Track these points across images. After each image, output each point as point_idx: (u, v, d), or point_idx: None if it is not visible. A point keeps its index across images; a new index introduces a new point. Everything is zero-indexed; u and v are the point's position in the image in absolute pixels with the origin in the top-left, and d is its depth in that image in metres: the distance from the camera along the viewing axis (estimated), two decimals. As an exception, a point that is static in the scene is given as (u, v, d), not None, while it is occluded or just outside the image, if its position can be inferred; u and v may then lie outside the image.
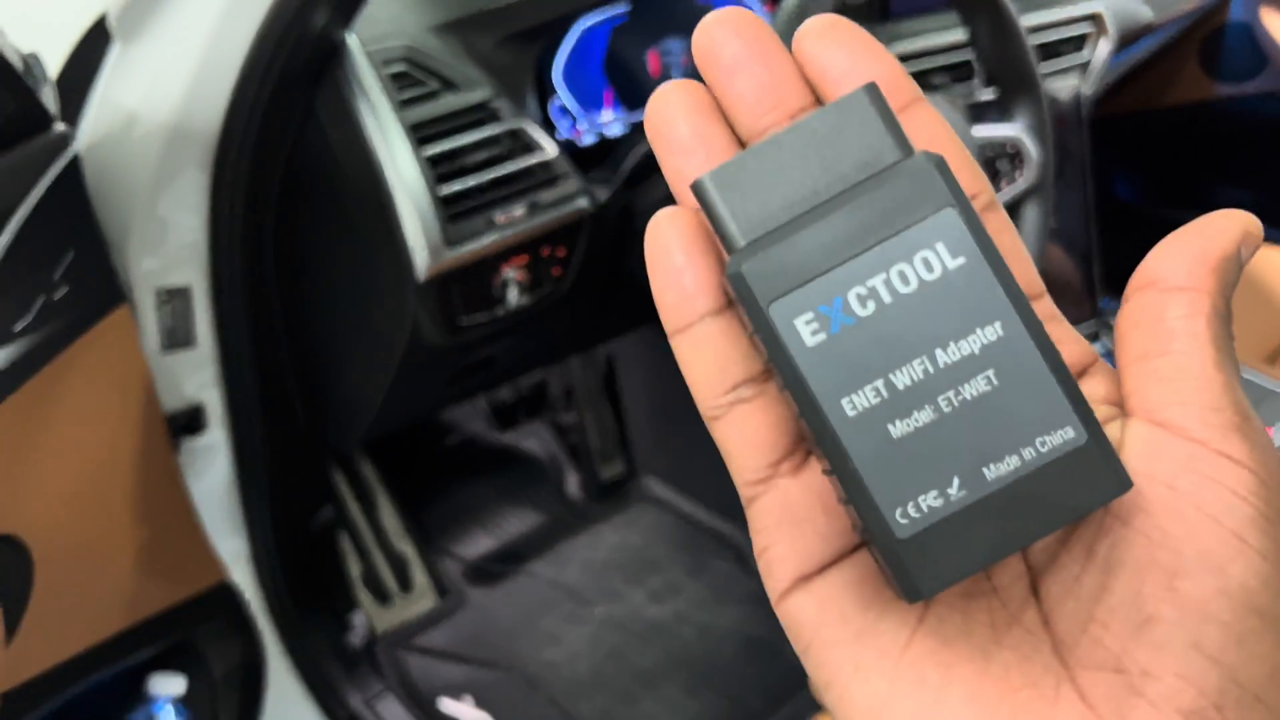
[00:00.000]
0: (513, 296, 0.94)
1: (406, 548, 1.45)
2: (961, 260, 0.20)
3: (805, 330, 0.20)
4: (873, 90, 0.21)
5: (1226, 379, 0.21)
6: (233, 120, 0.86)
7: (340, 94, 0.86)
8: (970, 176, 0.22)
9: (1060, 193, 1.10)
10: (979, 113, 1.21)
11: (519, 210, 0.91)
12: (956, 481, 0.20)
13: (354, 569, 1.39)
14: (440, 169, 0.87)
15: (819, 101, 0.23)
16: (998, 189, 1.02)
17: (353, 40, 0.87)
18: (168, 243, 0.92)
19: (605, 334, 1.39)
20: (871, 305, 0.20)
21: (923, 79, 1.23)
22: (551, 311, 1.03)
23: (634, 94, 1.08)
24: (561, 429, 1.69)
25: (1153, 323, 0.21)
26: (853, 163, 0.21)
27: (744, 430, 0.22)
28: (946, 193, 0.20)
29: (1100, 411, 0.22)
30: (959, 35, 1.26)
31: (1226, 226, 0.22)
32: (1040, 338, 0.20)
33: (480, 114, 0.91)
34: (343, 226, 0.91)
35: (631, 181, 1.05)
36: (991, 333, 0.20)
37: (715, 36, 0.22)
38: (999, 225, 0.23)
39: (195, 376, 1.00)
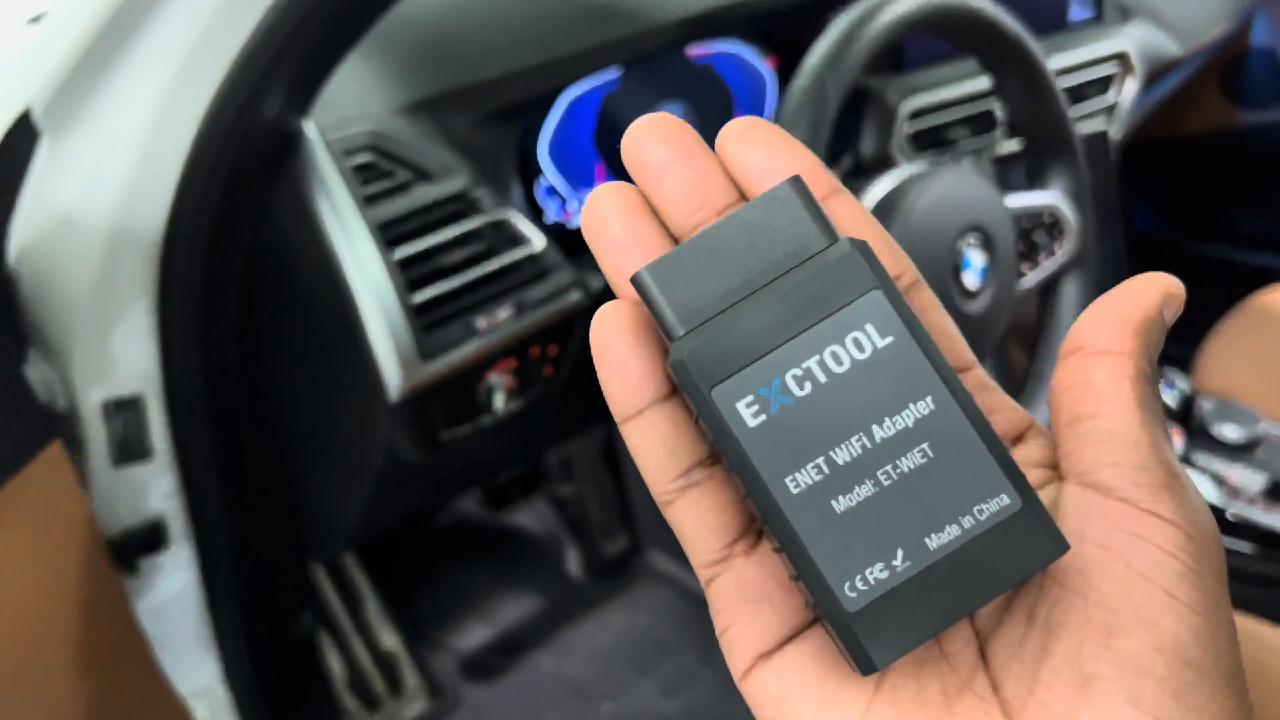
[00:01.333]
0: (499, 403, 0.84)
1: (395, 644, 1.34)
2: (890, 339, 0.21)
3: (747, 412, 0.21)
4: (797, 183, 0.23)
5: (1153, 438, 0.22)
6: (178, 221, 0.76)
7: (298, 190, 0.77)
8: (892, 259, 0.25)
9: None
10: (1006, 171, 1.11)
11: (504, 312, 0.81)
12: (900, 553, 0.21)
13: (338, 673, 1.28)
14: (413, 272, 0.77)
15: (743, 197, 0.24)
16: (1035, 263, 0.92)
17: (310, 129, 0.77)
18: (115, 356, 0.82)
19: (605, 415, 1.29)
20: (808, 386, 0.21)
21: (942, 133, 1.14)
22: (544, 410, 0.93)
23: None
24: (560, 502, 1.59)
25: (1081, 386, 0.23)
26: (782, 251, 0.22)
27: (697, 513, 0.23)
28: (871, 276, 0.22)
29: (1036, 475, 0.24)
30: (977, 85, 1.16)
31: (1147, 290, 0.23)
32: (971, 410, 0.21)
33: (458, 206, 0.81)
34: (307, 337, 0.81)
35: None
36: (923, 407, 0.21)
37: (643, 142, 0.24)
38: (924, 303, 0.25)
39: (154, 489, 0.90)
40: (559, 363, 0.89)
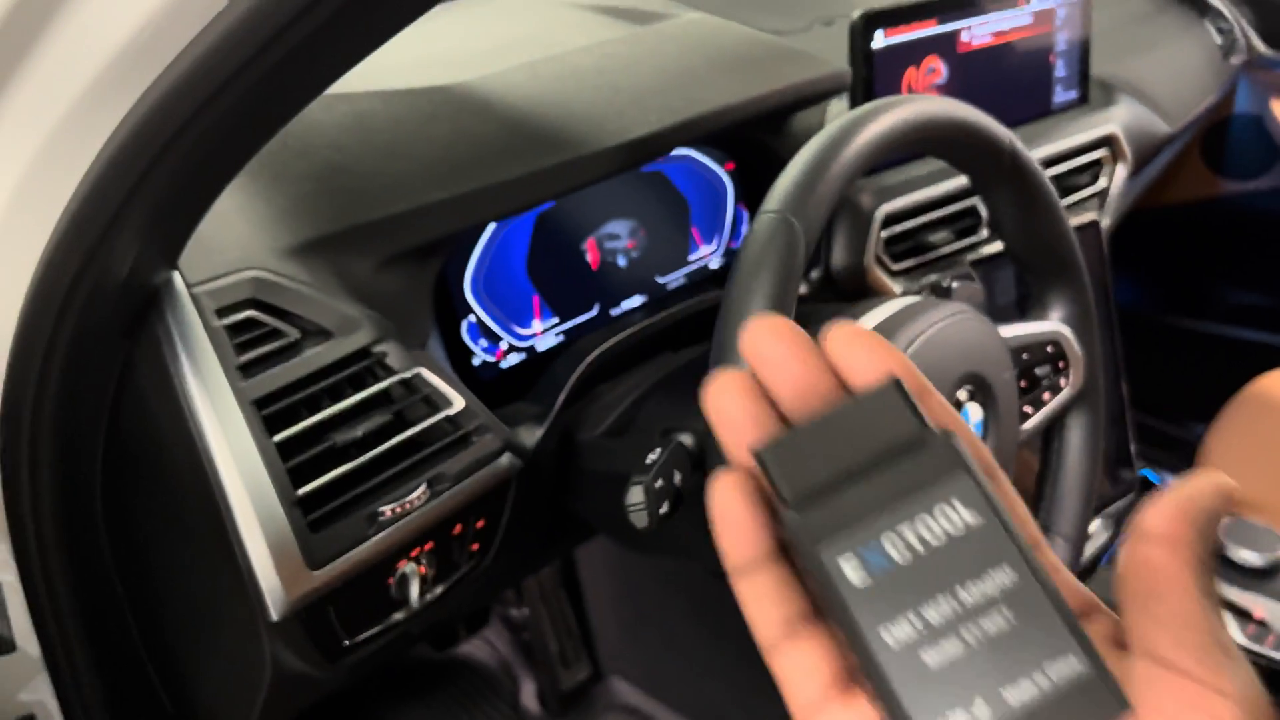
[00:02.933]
0: (414, 595, 0.70)
1: (326, 810, 1.18)
2: (977, 517, 0.26)
3: (850, 571, 0.25)
4: (897, 383, 0.27)
5: (1212, 621, 0.25)
6: (17, 386, 0.62)
7: (159, 355, 0.63)
8: (977, 448, 0.29)
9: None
10: (991, 273, 1.00)
11: (415, 493, 0.67)
12: (980, 703, 0.24)
13: None
14: (300, 457, 0.63)
15: (846, 389, 0.29)
16: (1038, 402, 0.80)
17: (176, 282, 0.64)
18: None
19: (556, 556, 1.15)
20: (906, 552, 0.26)
21: (921, 238, 1.02)
22: (474, 583, 0.79)
23: (569, 295, 0.86)
24: (512, 627, 1.45)
25: (1147, 571, 0.26)
26: (884, 439, 0.27)
27: (797, 660, 0.27)
28: (962, 463, 0.26)
29: (1103, 647, 0.26)
30: (956, 183, 1.05)
31: (1205, 487, 0.27)
32: (1046, 582, 0.25)
33: (359, 365, 0.68)
34: (172, 529, 0.67)
35: (571, 398, 0.82)
36: (1004, 577, 0.25)
37: (762, 340, 0.29)
38: (1003, 486, 0.29)
39: (19, 683, 0.75)
40: (488, 535, 0.76)
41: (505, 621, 1.45)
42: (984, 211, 1.06)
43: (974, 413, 0.70)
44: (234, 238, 0.69)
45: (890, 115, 0.65)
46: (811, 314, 0.75)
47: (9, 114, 0.54)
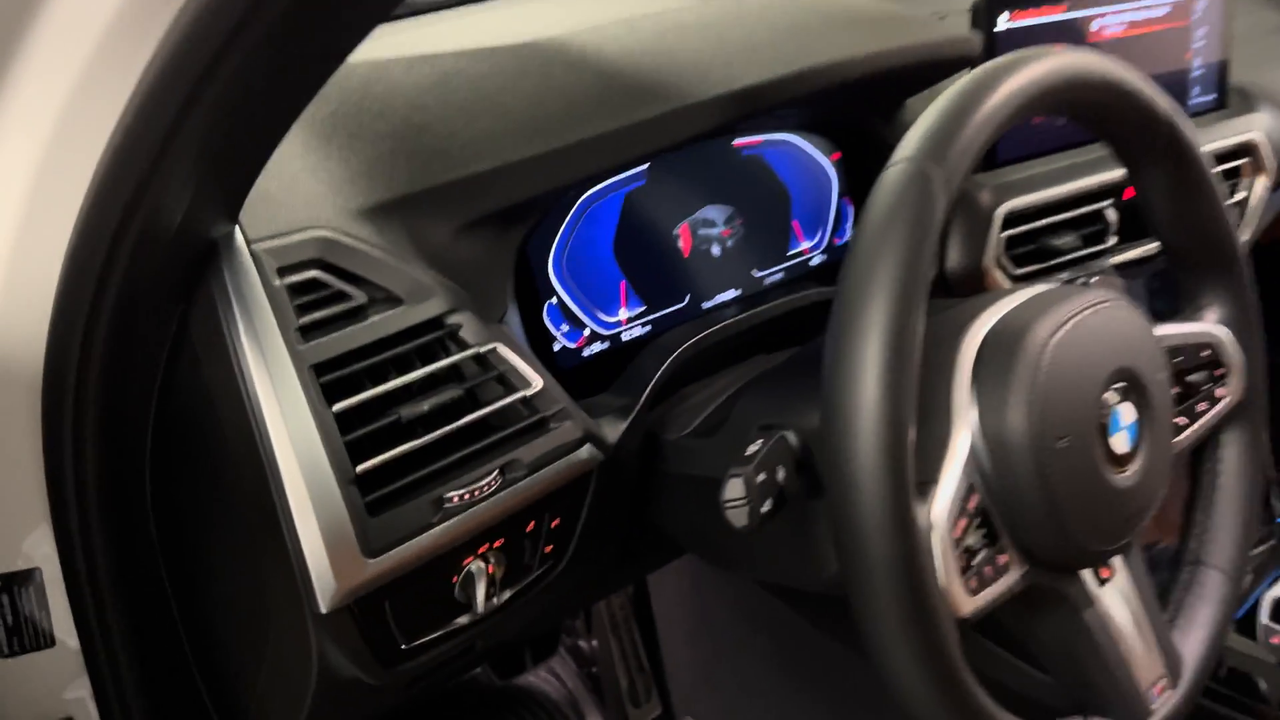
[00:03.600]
0: (481, 598, 0.62)
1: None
2: None
3: None
4: None
5: None
6: (60, 354, 0.57)
7: (215, 316, 0.57)
8: None
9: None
10: (1127, 273, 0.90)
11: (486, 480, 0.60)
12: None
13: None
14: (360, 430, 0.57)
15: None
16: (1192, 413, 0.70)
17: (236, 236, 0.58)
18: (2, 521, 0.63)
19: (632, 578, 1.07)
20: None
21: (1044, 241, 0.93)
22: (546, 594, 0.72)
23: (659, 283, 0.78)
24: (580, 658, 1.36)
25: None
26: None
27: None
28: None
29: None
30: (1085, 183, 0.96)
31: None
32: None
33: (431, 336, 0.61)
34: (223, 513, 0.61)
35: (657, 398, 0.74)
36: None
37: None
38: None
39: (59, 682, 0.69)
40: (563, 537, 0.68)
41: (573, 653, 1.36)
42: (1112, 218, 0.97)
43: (1126, 415, 0.60)
44: (303, 197, 0.63)
45: (1040, 65, 0.57)
46: (934, 310, 0.66)
47: (42, 44, 0.50)
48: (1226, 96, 1.09)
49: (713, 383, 0.80)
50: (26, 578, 0.66)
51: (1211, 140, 1.05)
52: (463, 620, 0.64)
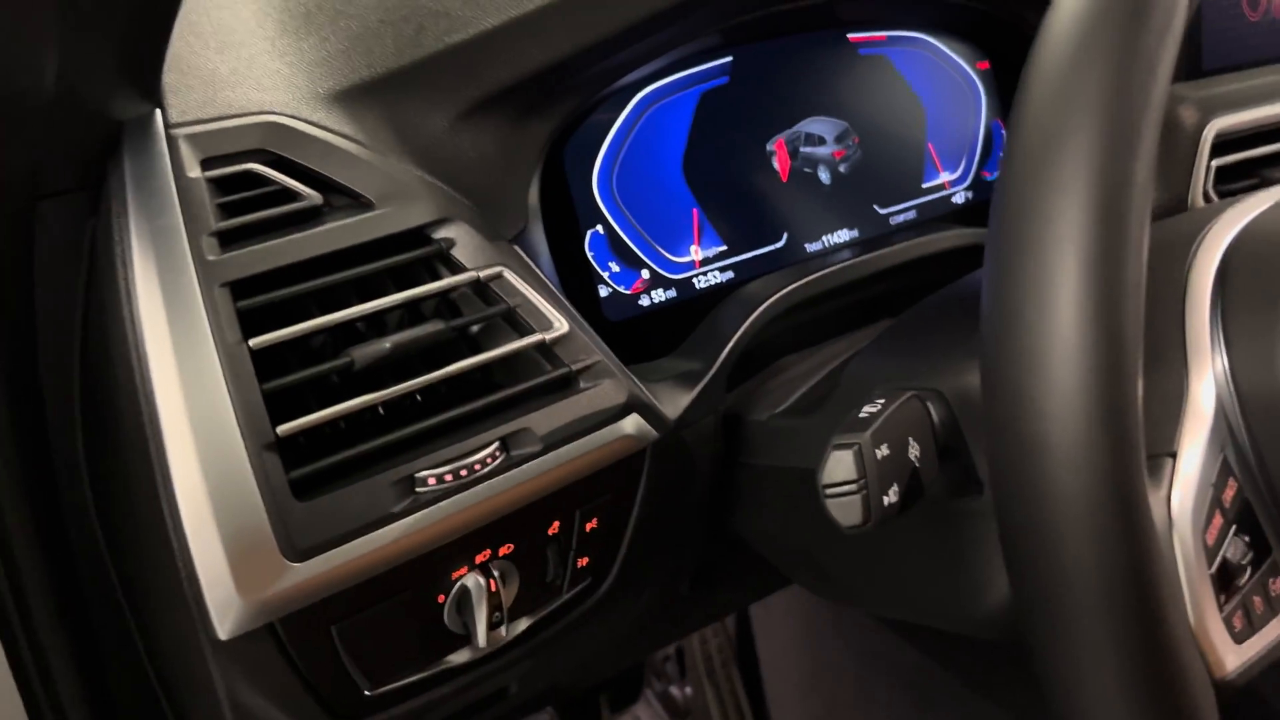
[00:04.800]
0: (482, 626, 0.44)
1: None
2: None
3: None
4: None
5: None
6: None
7: (110, 220, 0.41)
8: None
9: None
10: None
11: (481, 453, 0.42)
12: None
13: None
14: (291, 377, 0.39)
15: None
16: None
17: (153, 119, 0.42)
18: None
19: (716, 612, 0.87)
20: None
21: (1269, 171, 0.70)
22: (588, 623, 0.53)
23: (746, 215, 0.59)
24: (672, 706, 1.16)
25: None
26: None
27: None
28: None
29: None
30: (1318, 101, 0.72)
31: None
32: None
33: (409, 253, 0.44)
34: (126, 488, 0.44)
35: (739, 372, 0.55)
36: None
37: None
38: None
39: None
40: (605, 547, 0.49)
41: (663, 701, 1.17)
42: (1360, 148, 0.73)
43: None
44: (257, 78, 0.47)
45: None
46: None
47: None
48: None
49: (818, 352, 0.60)
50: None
51: None
52: (459, 658, 0.46)
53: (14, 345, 0.47)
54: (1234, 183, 0.70)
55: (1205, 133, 0.68)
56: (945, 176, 0.67)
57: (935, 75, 0.66)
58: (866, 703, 1.07)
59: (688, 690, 1.13)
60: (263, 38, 0.50)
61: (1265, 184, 0.70)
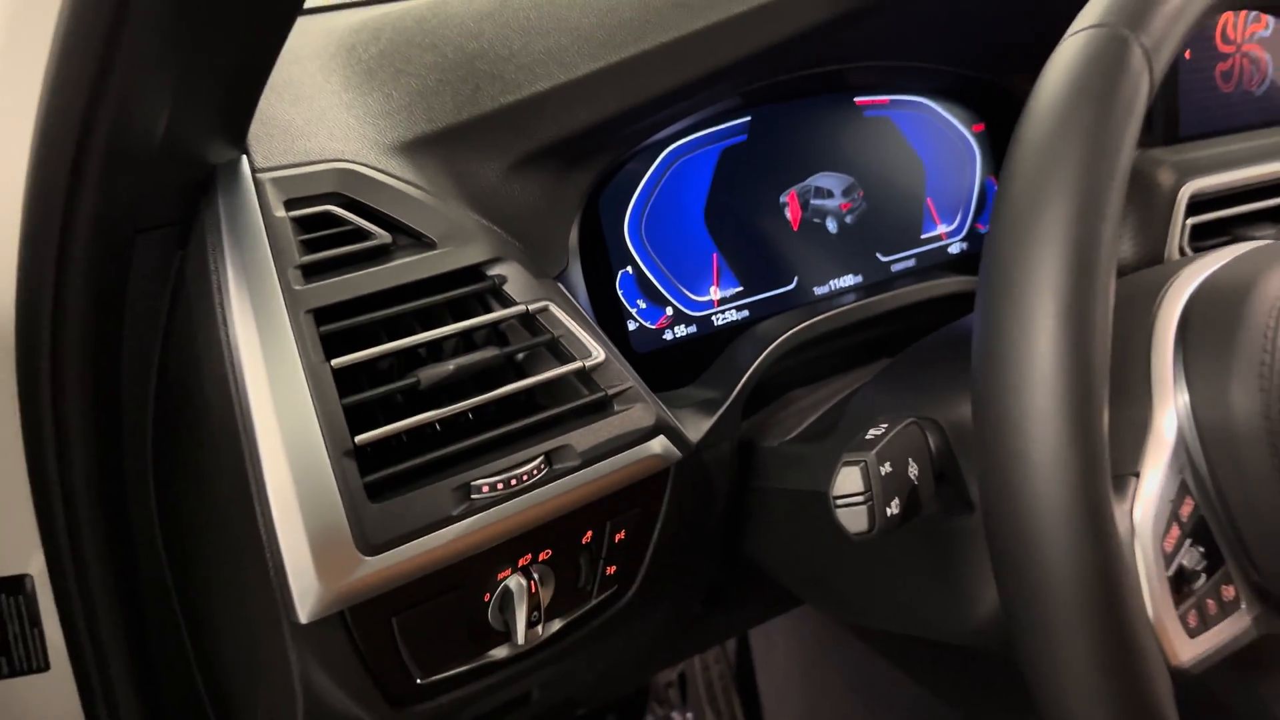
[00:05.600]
0: (521, 625, 0.49)
1: None
2: None
3: None
4: None
5: None
6: (31, 304, 0.47)
7: (204, 254, 0.47)
8: None
9: None
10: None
11: (527, 467, 0.47)
12: None
13: None
14: (367, 394, 0.45)
15: None
16: None
17: (241, 164, 0.48)
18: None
19: (723, 633, 0.92)
20: None
21: (1239, 229, 0.76)
22: (612, 631, 0.58)
23: (761, 260, 0.65)
24: (674, 732, 1.20)
25: None
26: None
27: None
28: None
29: None
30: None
31: None
32: None
33: (466, 287, 0.49)
34: (208, 493, 0.49)
35: (753, 403, 0.60)
36: None
37: None
38: None
39: (53, 716, 0.59)
40: (631, 557, 0.54)
41: (664, 727, 1.20)
42: (1326, 210, 0.79)
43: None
44: (330, 129, 0.53)
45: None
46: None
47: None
48: None
49: (825, 386, 0.66)
50: (16, 585, 0.57)
51: None
52: (499, 653, 0.50)
53: (101, 363, 0.52)
54: (1209, 239, 0.76)
55: (1181, 194, 0.73)
56: (942, 228, 0.73)
57: (934, 136, 0.72)
58: (863, 728, 1.11)
59: (689, 716, 1.17)
60: (330, 91, 0.56)
61: (1237, 241, 0.76)
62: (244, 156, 0.49)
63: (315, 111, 0.54)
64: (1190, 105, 0.77)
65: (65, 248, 0.46)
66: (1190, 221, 0.74)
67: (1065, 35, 0.40)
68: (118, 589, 0.56)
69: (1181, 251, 0.73)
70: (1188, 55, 0.76)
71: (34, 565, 0.55)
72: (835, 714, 1.12)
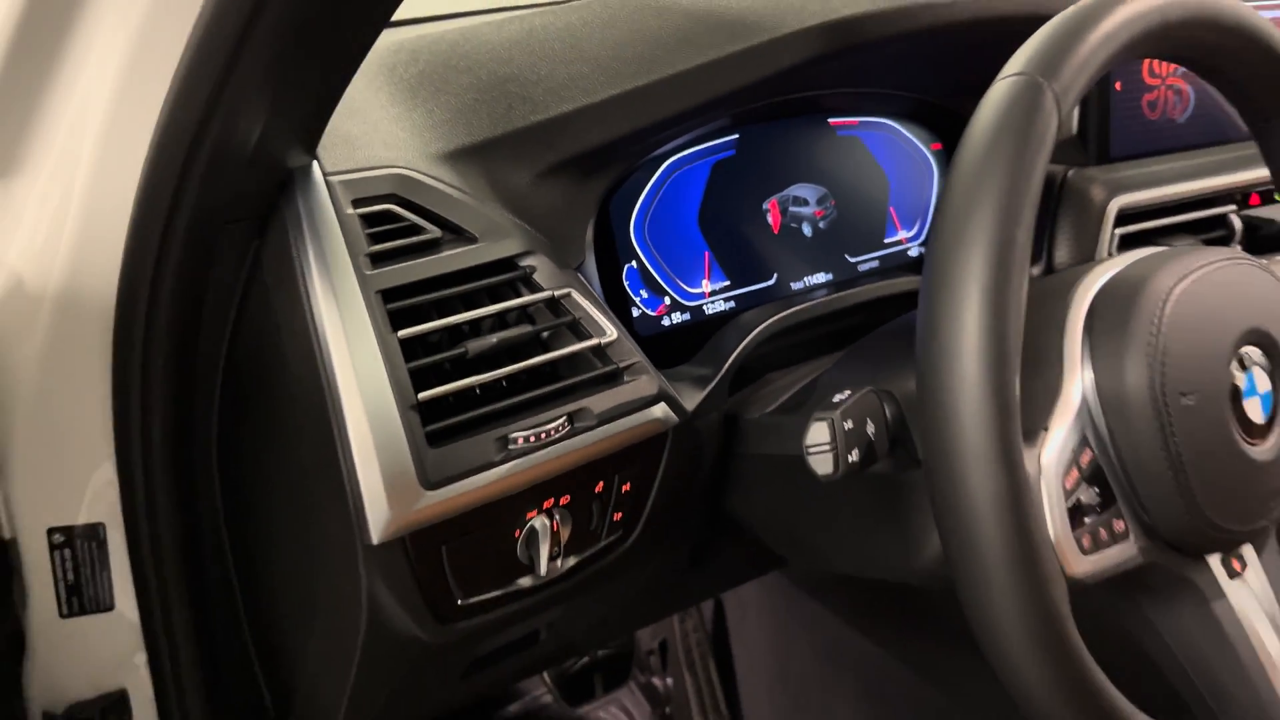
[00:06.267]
0: (544, 559, 0.58)
1: None
2: None
3: None
4: None
5: None
6: (132, 279, 0.56)
7: (285, 243, 0.56)
8: None
9: None
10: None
11: (554, 423, 0.57)
12: None
13: None
14: (425, 360, 0.54)
15: None
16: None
17: (313, 168, 0.58)
18: (66, 471, 0.61)
19: (704, 592, 1.01)
20: None
21: (1162, 240, 0.87)
22: (614, 574, 0.67)
23: (744, 258, 0.75)
24: (654, 696, 1.30)
25: None
26: None
27: None
28: None
29: None
30: (1206, 184, 0.90)
31: None
32: None
33: (502, 275, 0.59)
34: (281, 445, 0.59)
35: (738, 381, 0.70)
36: None
37: None
38: None
39: (114, 651, 0.67)
40: (634, 506, 0.64)
41: (646, 691, 1.30)
42: (1238, 224, 0.90)
43: (1262, 381, 0.54)
44: (384, 139, 0.63)
45: (1163, -4, 0.53)
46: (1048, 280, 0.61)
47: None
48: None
49: (798, 369, 0.76)
50: (91, 532, 0.65)
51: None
52: (525, 582, 0.60)
53: (184, 332, 0.61)
54: (1134, 248, 0.86)
55: (1110, 207, 0.84)
56: (903, 234, 0.83)
57: (898, 153, 0.83)
58: (829, 693, 1.21)
59: (669, 681, 1.27)
60: (379, 106, 0.65)
61: (1158, 250, 0.87)
62: (315, 162, 0.59)
63: (370, 124, 0.63)
64: (1120, 130, 0.88)
65: (167, 235, 0.55)
66: (1119, 231, 0.84)
67: (996, 79, 0.50)
68: (183, 538, 0.65)
69: (1110, 257, 0.84)
70: (1119, 87, 0.87)
71: (107, 514, 0.64)
72: (802, 676, 1.23)
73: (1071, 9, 0.51)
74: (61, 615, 0.64)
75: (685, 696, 1.24)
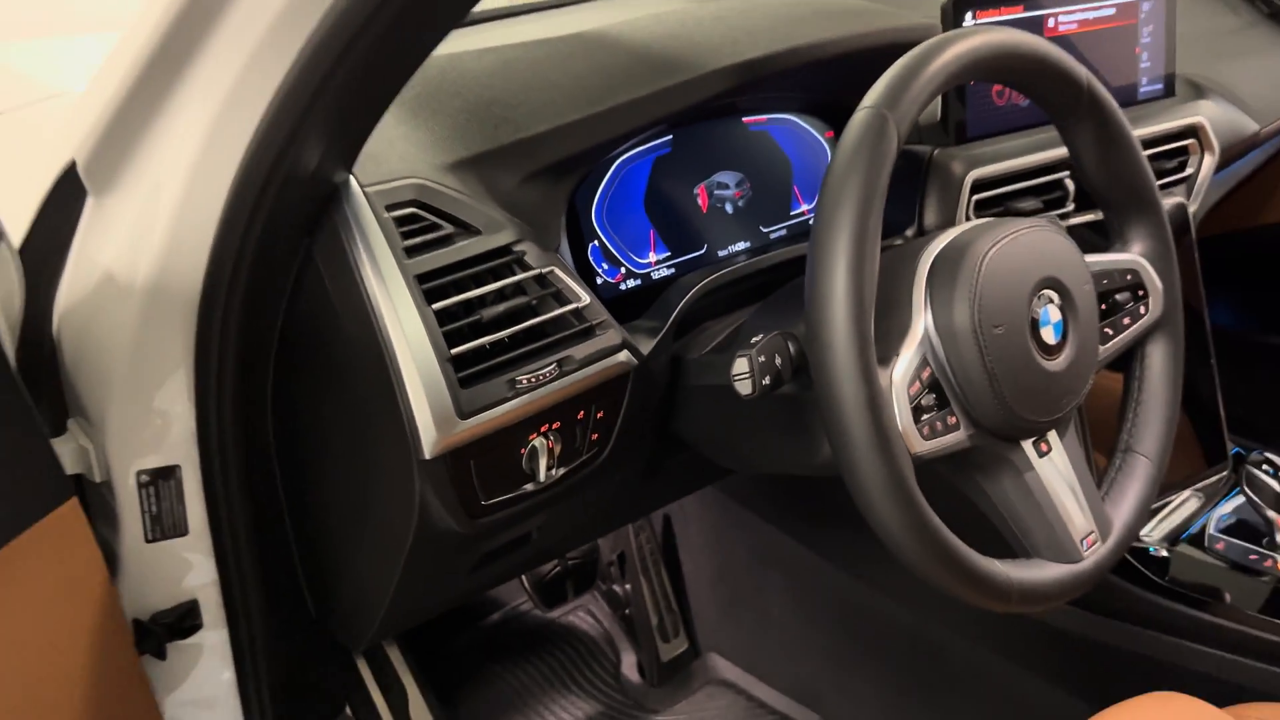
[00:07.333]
0: (543, 469, 0.79)
1: (438, 747, 1.26)
2: None
3: None
4: None
5: None
6: (215, 275, 0.74)
7: (338, 241, 0.75)
8: None
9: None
10: (1082, 240, 1.06)
11: (546, 369, 0.77)
12: None
13: (376, 778, 1.20)
14: (452, 325, 0.74)
15: None
16: (1119, 327, 0.85)
17: (353, 182, 0.76)
18: (152, 424, 0.79)
19: (656, 502, 1.23)
20: None
21: (1010, 204, 1.09)
22: (591, 482, 0.88)
23: (681, 233, 0.95)
24: (615, 600, 1.52)
25: None
26: None
27: None
28: None
29: None
30: (1046, 156, 1.12)
31: None
32: None
33: (502, 259, 0.78)
34: (340, 391, 0.78)
35: (680, 330, 0.91)
36: None
37: None
38: None
39: (187, 568, 0.86)
40: (606, 428, 0.85)
41: (608, 598, 1.52)
42: (1071, 186, 1.13)
43: (1053, 314, 0.76)
44: (400, 155, 0.81)
45: (978, 38, 0.74)
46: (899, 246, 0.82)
47: (224, 31, 0.67)
48: (1173, 86, 1.25)
49: (727, 318, 0.96)
50: (170, 472, 0.83)
51: (1159, 122, 1.21)
52: (529, 487, 0.80)
53: (252, 305, 0.79)
54: (988, 210, 1.08)
55: (966, 179, 1.05)
56: (805, 207, 1.04)
57: (799, 142, 1.03)
58: (761, 587, 1.44)
59: (627, 586, 1.49)
60: (388, 125, 0.83)
61: (1009, 212, 1.09)
62: (352, 177, 0.77)
63: (385, 141, 0.82)
64: (975, 115, 1.09)
65: (244, 241, 0.73)
66: (975, 198, 1.06)
67: (857, 109, 0.70)
68: (244, 475, 0.84)
69: (967, 217, 1.06)
70: (972, 82, 1.08)
71: (184, 457, 0.81)
72: (737, 575, 1.45)
73: (908, 55, 0.72)
74: (146, 540, 0.82)
75: (642, 598, 1.46)
